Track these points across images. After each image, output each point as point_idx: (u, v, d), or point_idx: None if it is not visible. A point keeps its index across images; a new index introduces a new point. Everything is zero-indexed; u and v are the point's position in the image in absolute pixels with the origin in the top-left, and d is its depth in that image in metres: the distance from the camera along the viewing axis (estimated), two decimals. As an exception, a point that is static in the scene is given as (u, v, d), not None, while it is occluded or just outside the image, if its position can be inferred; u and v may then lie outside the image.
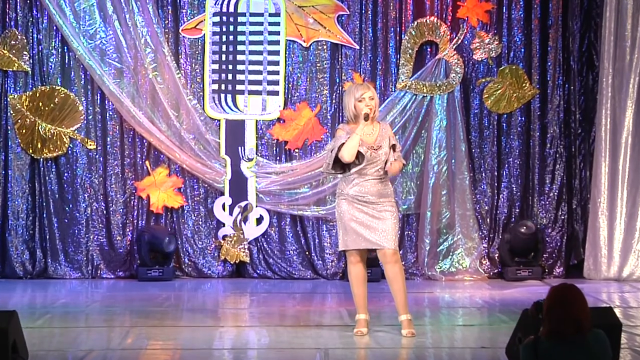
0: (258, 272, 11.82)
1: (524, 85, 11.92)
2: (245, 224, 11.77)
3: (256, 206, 11.80)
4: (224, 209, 11.78)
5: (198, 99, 11.81)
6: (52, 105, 11.65)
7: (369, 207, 7.75)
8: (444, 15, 11.88)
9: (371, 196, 7.76)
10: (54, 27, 11.66)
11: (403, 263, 11.69)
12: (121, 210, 11.78)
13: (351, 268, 7.88)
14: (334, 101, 11.87)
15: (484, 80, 11.94)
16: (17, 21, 11.67)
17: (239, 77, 11.84)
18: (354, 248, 7.79)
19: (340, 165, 7.81)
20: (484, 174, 11.97)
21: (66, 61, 11.72)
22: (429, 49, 11.94)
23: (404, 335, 7.71)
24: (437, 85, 11.82)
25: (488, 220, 11.95)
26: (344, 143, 7.72)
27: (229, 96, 11.84)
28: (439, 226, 11.78)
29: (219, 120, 11.82)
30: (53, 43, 11.70)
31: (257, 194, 11.81)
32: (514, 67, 11.95)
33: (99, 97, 11.76)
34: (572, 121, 12.03)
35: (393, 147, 7.84)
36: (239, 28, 11.84)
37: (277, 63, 11.84)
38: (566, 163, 12.00)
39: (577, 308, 4.82)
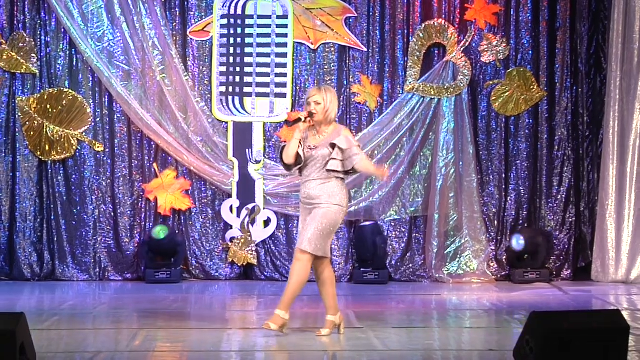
0: (265, 274, 11.82)
1: (531, 87, 11.91)
2: (252, 226, 11.77)
3: (264, 208, 11.80)
4: (231, 211, 11.78)
5: (206, 101, 11.82)
6: (60, 107, 11.66)
7: (308, 208, 7.77)
8: (451, 18, 11.87)
9: (311, 199, 7.76)
10: (62, 30, 11.68)
11: (410, 265, 11.79)
12: (129, 212, 11.79)
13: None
14: (341, 103, 11.85)
15: (491, 82, 11.93)
16: (25, 24, 11.69)
17: (247, 79, 11.84)
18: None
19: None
20: (491, 177, 11.96)
21: (74, 63, 11.74)
22: (436, 52, 11.93)
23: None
24: (445, 87, 11.81)
25: (496, 222, 11.93)
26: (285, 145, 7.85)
27: (237, 98, 11.84)
28: (447, 229, 11.77)
29: (226, 123, 11.83)
30: (61, 45, 11.71)
31: (265, 196, 11.81)
32: (521, 69, 11.94)
33: (106, 100, 11.77)
34: (580, 124, 12.02)
35: (333, 145, 7.68)
36: (247, 30, 11.85)
37: (284, 65, 11.84)
38: (574, 165, 11.99)
39: None
